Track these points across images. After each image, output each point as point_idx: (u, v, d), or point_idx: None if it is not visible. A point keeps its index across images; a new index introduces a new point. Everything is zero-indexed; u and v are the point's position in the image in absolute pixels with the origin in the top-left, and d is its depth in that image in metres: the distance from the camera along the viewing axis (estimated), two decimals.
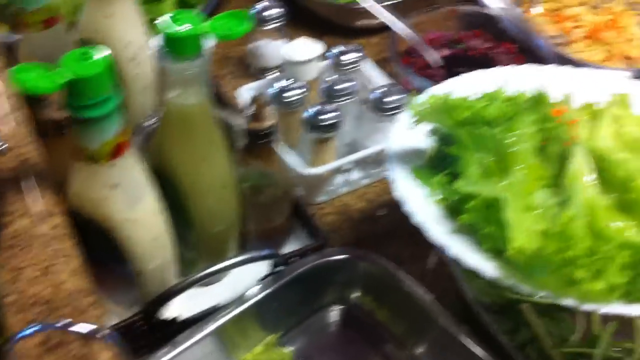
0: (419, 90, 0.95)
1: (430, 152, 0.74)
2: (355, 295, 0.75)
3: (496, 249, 0.64)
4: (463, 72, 1.02)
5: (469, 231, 0.66)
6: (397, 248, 0.82)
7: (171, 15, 0.63)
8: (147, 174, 0.68)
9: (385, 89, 0.90)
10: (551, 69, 0.86)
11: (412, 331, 0.72)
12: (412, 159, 0.74)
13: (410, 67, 1.04)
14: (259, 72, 1.07)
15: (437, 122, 0.72)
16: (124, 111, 0.63)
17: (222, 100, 0.98)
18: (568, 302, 0.60)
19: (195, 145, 0.69)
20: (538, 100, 0.69)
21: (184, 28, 0.62)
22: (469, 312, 0.70)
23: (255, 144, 0.76)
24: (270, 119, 0.74)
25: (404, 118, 0.74)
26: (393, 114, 0.89)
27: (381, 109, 0.90)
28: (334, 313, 0.76)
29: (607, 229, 0.62)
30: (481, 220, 0.65)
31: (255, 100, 0.74)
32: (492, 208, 0.65)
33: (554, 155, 0.68)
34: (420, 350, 0.72)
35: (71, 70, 0.58)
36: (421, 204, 0.69)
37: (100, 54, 0.59)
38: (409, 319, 0.72)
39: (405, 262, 0.76)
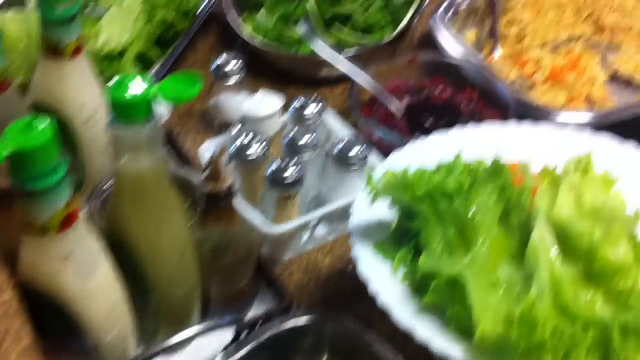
0: (382, 140, 0.95)
1: (393, 225, 0.72)
2: (324, 359, 0.73)
3: (464, 329, 0.62)
4: (425, 120, 1.03)
5: (436, 309, 0.65)
6: (366, 306, 0.79)
7: (118, 79, 0.61)
8: (101, 241, 0.66)
9: (348, 141, 0.89)
10: (511, 127, 0.86)
11: None
12: (376, 232, 0.72)
13: (373, 117, 1.03)
14: (222, 127, 1.05)
15: (396, 198, 0.70)
16: (73, 179, 0.61)
17: (183, 158, 0.96)
18: None
19: (150, 211, 0.67)
20: (496, 169, 0.68)
21: (131, 92, 0.60)
22: None
23: (215, 205, 0.73)
24: (228, 179, 0.72)
25: (365, 192, 0.73)
26: (357, 167, 0.88)
27: (344, 162, 0.88)
28: None
29: (573, 305, 0.61)
30: (446, 300, 0.63)
31: (212, 159, 0.72)
32: (456, 286, 0.63)
33: (517, 224, 0.67)
34: None
35: (14, 142, 0.55)
36: (386, 282, 0.67)
37: (45, 123, 0.57)
38: None
39: (374, 320, 0.74)
